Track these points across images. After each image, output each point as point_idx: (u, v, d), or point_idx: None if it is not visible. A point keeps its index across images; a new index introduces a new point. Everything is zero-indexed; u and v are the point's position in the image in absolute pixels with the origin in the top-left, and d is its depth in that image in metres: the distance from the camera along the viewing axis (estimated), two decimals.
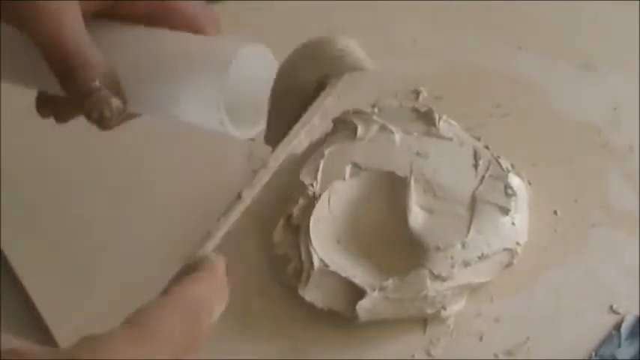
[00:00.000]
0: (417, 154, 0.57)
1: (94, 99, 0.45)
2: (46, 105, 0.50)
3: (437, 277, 0.51)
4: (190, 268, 0.36)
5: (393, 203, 0.55)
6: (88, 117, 0.46)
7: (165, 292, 0.34)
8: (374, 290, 0.51)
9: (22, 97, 0.67)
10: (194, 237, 0.57)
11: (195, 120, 0.47)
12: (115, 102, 0.46)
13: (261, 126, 0.48)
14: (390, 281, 0.51)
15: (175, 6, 0.48)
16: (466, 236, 0.53)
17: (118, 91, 0.46)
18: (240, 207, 0.41)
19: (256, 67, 0.47)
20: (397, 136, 0.58)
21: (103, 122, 0.46)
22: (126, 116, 0.48)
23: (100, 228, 0.58)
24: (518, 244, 0.54)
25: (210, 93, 0.45)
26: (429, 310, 0.51)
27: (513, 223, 0.54)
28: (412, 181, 0.55)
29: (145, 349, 0.32)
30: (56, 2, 0.45)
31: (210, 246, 0.39)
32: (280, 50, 0.70)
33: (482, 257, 0.52)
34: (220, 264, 0.37)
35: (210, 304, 0.35)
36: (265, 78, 0.47)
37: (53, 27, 0.45)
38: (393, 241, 0.54)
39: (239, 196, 0.41)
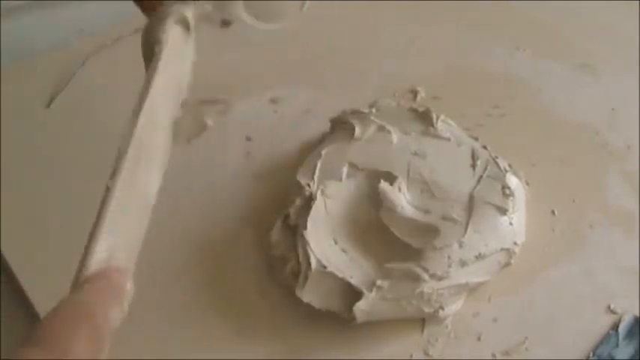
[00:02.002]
0: (415, 154, 0.57)
1: None
2: None
3: (433, 276, 0.51)
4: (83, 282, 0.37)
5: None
6: None
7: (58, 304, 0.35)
8: (371, 291, 0.51)
9: (22, 97, 0.67)
10: (192, 237, 0.57)
11: None
12: None
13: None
14: (387, 281, 0.51)
15: None
16: (463, 236, 0.53)
17: None
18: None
19: None
20: (395, 136, 0.58)
21: None
22: None
23: None
24: (515, 244, 0.54)
25: None
26: (427, 309, 0.51)
27: (511, 223, 0.54)
28: (405, 180, 0.55)
29: (47, 348, 0.33)
30: None
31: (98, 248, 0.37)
32: (278, 49, 0.71)
33: (479, 257, 0.52)
34: (114, 273, 0.37)
35: (103, 307, 0.35)
36: None
37: None
38: (391, 241, 0.54)
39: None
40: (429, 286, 0.51)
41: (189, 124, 0.44)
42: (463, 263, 0.52)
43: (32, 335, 0.34)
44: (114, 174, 0.39)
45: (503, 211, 0.54)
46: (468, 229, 0.53)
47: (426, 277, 0.51)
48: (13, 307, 0.55)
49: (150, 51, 0.44)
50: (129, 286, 0.37)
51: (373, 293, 0.51)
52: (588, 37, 0.71)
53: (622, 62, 0.68)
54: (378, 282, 0.51)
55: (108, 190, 0.38)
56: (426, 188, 0.56)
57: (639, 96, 0.65)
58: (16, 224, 0.58)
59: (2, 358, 0.51)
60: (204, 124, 0.45)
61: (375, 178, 0.56)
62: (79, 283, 0.36)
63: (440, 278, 0.51)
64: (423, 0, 0.74)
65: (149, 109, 0.41)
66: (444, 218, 0.54)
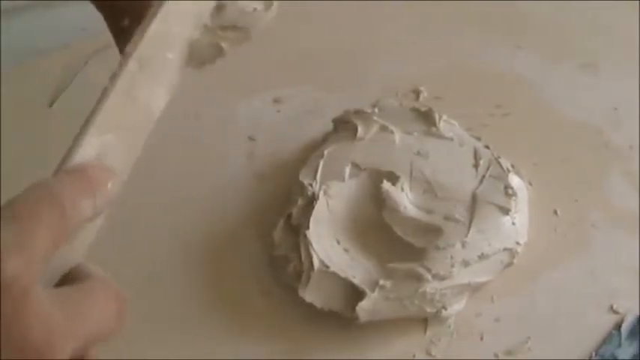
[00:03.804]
0: (417, 153, 0.57)
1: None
2: None
3: (435, 276, 0.51)
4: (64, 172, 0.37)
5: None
6: None
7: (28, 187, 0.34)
8: (373, 291, 0.51)
9: (24, 97, 0.67)
10: (194, 237, 0.57)
11: None
12: None
13: None
14: (389, 281, 0.51)
15: None
16: (466, 236, 0.53)
17: None
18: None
19: None
20: (397, 136, 0.58)
21: None
22: None
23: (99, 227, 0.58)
24: (518, 243, 0.54)
25: None
26: (429, 309, 0.51)
27: (513, 223, 0.54)
28: (408, 180, 0.55)
29: (11, 226, 0.32)
30: None
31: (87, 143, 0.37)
32: (279, 49, 0.71)
33: (482, 257, 0.52)
34: (93, 168, 0.36)
35: (74, 197, 0.35)
36: None
37: None
38: (393, 241, 0.54)
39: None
40: (431, 286, 0.51)
41: (206, 48, 0.44)
42: (466, 263, 0.52)
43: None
44: (113, 76, 0.39)
45: (505, 210, 0.54)
46: (471, 229, 0.53)
47: (428, 277, 0.51)
48: None
49: None
50: (110, 185, 0.36)
51: (376, 293, 0.51)
52: (591, 36, 0.71)
53: (624, 62, 0.68)
54: (381, 282, 0.51)
55: (104, 90, 0.38)
56: (428, 188, 0.55)
57: None
58: None
59: None
60: (221, 50, 0.45)
61: (378, 178, 0.56)
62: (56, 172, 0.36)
63: (442, 278, 0.51)
64: (425, 0, 0.74)
65: (160, 23, 0.41)
66: (447, 218, 0.54)
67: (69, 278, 0.36)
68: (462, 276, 0.52)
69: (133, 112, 0.40)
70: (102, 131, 0.38)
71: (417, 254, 0.52)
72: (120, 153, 0.39)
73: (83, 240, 0.38)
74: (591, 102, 0.66)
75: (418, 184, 0.56)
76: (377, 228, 0.54)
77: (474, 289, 0.53)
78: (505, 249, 0.53)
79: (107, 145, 0.38)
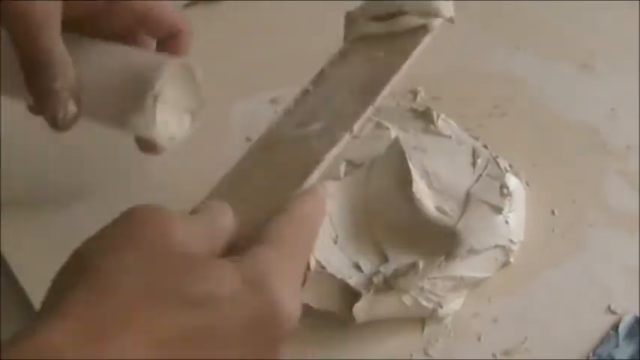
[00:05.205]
0: (414, 148, 0.57)
1: (52, 100, 0.47)
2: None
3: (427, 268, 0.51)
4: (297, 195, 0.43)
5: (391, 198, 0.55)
6: (44, 115, 0.48)
7: (284, 209, 0.41)
8: (369, 292, 0.51)
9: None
10: None
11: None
12: (71, 107, 0.47)
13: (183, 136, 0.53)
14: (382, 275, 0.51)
15: (155, 17, 0.51)
16: (454, 230, 0.52)
17: (77, 98, 0.48)
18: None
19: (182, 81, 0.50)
20: (393, 133, 0.58)
21: (55, 123, 0.48)
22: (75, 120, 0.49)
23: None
24: (512, 241, 0.54)
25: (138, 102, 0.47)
26: (425, 304, 0.51)
27: (507, 222, 0.54)
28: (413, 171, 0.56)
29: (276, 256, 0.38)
30: (41, 3, 0.46)
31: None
32: (275, 49, 0.71)
33: (471, 251, 0.52)
34: (320, 189, 0.44)
35: (316, 217, 0.42)
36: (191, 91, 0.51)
37: (31, 27, 0.46)
38: (392, 239, 0.54)
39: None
40: (427, 281, 0.51)
41: None
42: (454, 256, 0.51)
43: (259, 235, 0.39)
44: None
45: (498, 209, 0.54)
46: (459, 224, 0.53)
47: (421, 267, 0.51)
48: (13, 307, 0.55)
49: None
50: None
51: (371, 293, 0.51)
52: (588, 37, 0.71)
53: (622, 62, 0.68)
54: (375, 279, 0.51)
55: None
56: (423, 175, 0.55)
57: (639, 96, 0.65)
58: (17, 224, 0.58)
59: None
60: None
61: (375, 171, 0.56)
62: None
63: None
64: None
65: None
66: (437, 209, 0.54)
67: None
68: (455, 270, 0.52)
69: None
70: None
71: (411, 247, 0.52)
72: None
73: None
74: (589, 102, 0.66)
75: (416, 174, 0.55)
76: (373, 227, 0.54)
77: (470, 285, 0.53)
78: (497, 246, 0.53)
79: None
